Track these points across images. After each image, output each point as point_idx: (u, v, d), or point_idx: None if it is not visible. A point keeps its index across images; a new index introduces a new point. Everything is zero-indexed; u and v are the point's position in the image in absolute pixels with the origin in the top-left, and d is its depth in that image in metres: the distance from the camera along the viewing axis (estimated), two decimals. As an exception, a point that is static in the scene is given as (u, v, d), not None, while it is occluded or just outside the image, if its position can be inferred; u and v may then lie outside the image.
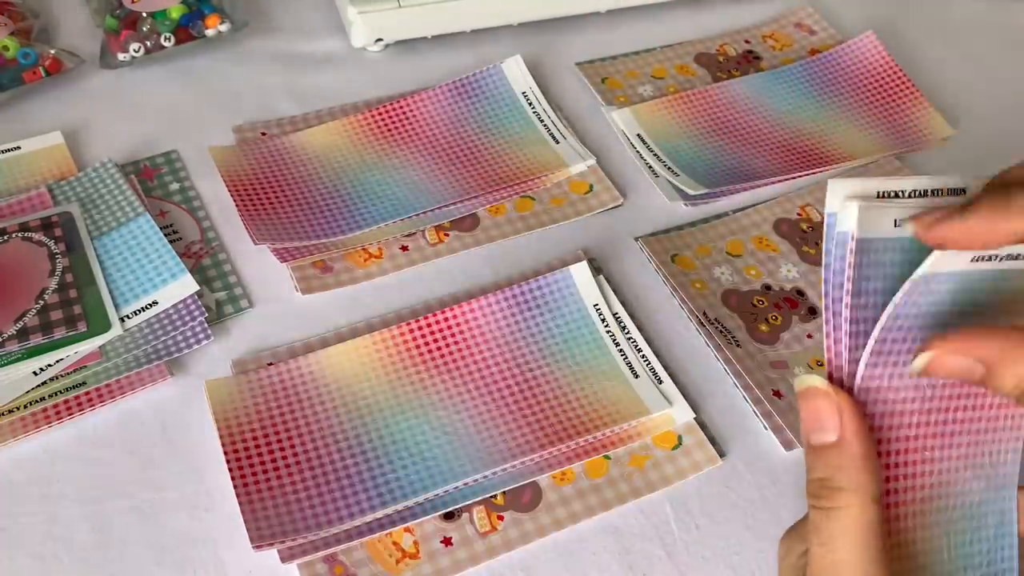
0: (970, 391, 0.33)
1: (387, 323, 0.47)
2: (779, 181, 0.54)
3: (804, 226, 0.53)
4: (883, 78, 0.61)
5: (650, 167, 0.55)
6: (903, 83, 0.60)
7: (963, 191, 0.31)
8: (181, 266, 0.46)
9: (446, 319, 0.46)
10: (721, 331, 0.47)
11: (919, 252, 0.31)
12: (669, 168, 0.54)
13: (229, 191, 0.51)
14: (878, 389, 0.31)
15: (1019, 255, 0.31)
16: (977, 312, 0.32)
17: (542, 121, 0.56)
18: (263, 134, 0.54)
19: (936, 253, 0.29)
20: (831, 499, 0.29)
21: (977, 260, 0.30)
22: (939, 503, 0.32)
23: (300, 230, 0.49)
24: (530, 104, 0.57)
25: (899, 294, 0.30)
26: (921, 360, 0.30)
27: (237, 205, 0.50)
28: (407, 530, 0.40)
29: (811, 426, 0.30)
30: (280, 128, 0.55)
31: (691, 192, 0.52)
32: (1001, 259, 0.31)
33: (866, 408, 0.31)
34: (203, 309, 0.45)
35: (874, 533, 0.29)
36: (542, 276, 0.48)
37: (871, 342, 0.31)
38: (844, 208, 0.30)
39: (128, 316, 0.45)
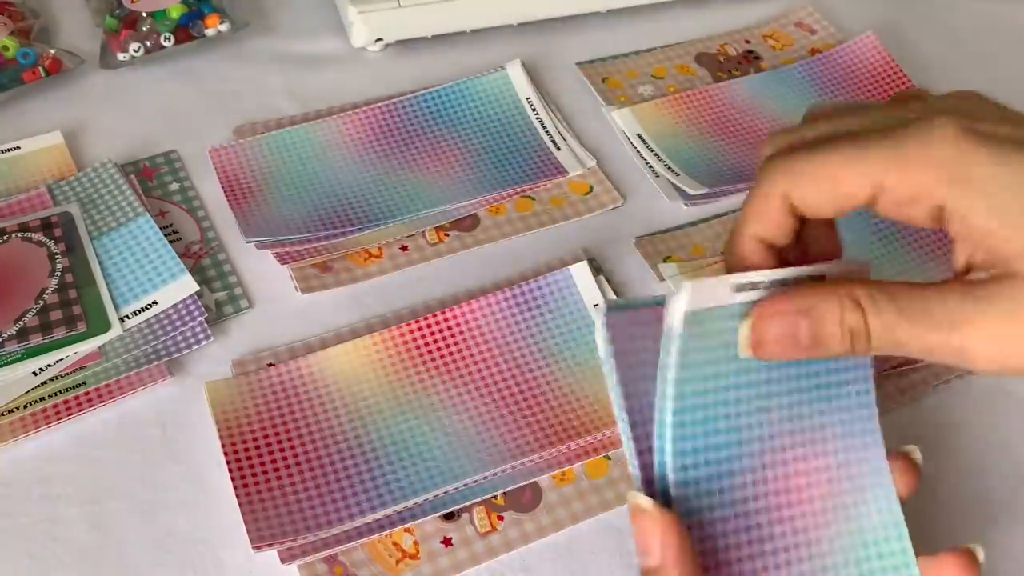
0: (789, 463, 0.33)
1: (387, 323, 0.47)
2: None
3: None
4: (884, 79, 0.61)
5: (650, 167, 0.55)
6: (903, 84, 0.60)
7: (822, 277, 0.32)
8: (181, 266, 0.46)
9: (446, 319, 0.46)
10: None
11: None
12: (669, 168, 0.54)
13: (224, 189, 0.51)
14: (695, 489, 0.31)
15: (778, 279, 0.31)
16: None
17: (544, 127, 0.56)
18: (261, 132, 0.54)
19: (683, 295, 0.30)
20: None
21: (741, 290, 0.30)
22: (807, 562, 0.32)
23: (296, 229, 0.49)
24: (533, 110, 0.56)
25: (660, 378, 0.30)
26: (743, 332, 0.30)
27: (230, 203, 0.50)
28: (407, 530, 0.40)
29: (639, 548, 0.30)
30: (279, 125, 0.55)
31: (691, 192, 0.52)
32: (764, 287, 0.31)
33: (688, 508, 0.31)
34: (203, 309, 0.45)
35: None
36: (542, 276, 0.48)
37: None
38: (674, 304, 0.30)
39: (128, 316, 0.45)
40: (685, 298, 0.29)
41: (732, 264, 0.33)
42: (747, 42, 0.63)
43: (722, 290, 0.30)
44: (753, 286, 0.30)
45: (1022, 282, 0.28)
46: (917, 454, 0.35)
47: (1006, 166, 0.28)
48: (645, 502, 0.30)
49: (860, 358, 0.33)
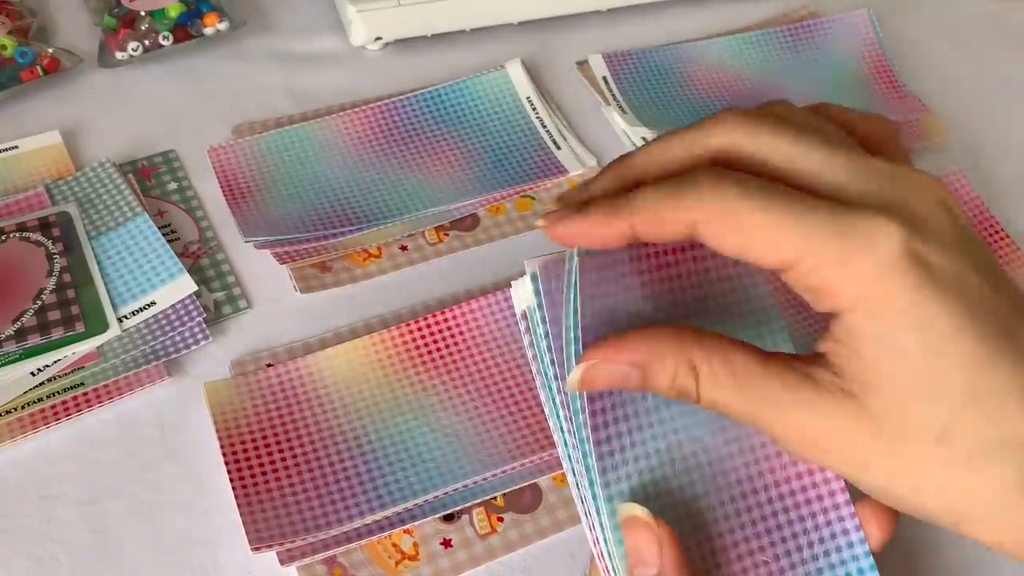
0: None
1: (386, 323, 0.47)
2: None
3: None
4: (867, 57, 0.61)
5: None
6: (883, 67, 0.61)
7: None
8: (180, 266, 0.46)
9: (446, 319, 0.46)
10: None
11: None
12: None
13: (222, 189, 0.51)
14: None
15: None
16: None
17: (544, 127, 0.56)
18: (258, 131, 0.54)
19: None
20: None
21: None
22: None
23: (295, 229, 0.49)
24: (534, 109, 0.56)
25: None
26: (574, 375, 0.29)
27: (229, 202, 0.50)
28: (407, 532, 0.40)
29: (634, 559, 0.30)
30: (278, 124, 0.55)
31: None
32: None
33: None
34: (201, 309, 0.45)
35: None
36: (542, 276, 0.48)
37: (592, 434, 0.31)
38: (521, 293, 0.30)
39: (126, 316, 0.45)
40: (530, 276, 0.30)
41: (586, 234, 0.29)
42: (747, 41, 0.63)
43: (559, 257, 0.30)
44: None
45: (854, 407, 0.27)
46: None
47: (922, 308, 0.26)
48: (642, 512, 0.30)
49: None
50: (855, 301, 0.26)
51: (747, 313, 0.33)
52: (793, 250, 0.26)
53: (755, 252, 0.27)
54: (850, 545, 0.32)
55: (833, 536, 0.33)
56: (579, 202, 0.29)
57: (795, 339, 0.35)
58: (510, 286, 0.46)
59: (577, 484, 0.31)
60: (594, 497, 0.30)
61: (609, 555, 0.31)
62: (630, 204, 0.28)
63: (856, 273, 0.26)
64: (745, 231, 0.27)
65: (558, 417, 0.31)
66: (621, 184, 0.30)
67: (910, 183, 0.28)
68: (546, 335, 0.30)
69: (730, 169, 0.28)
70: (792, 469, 0.33)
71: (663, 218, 0.28)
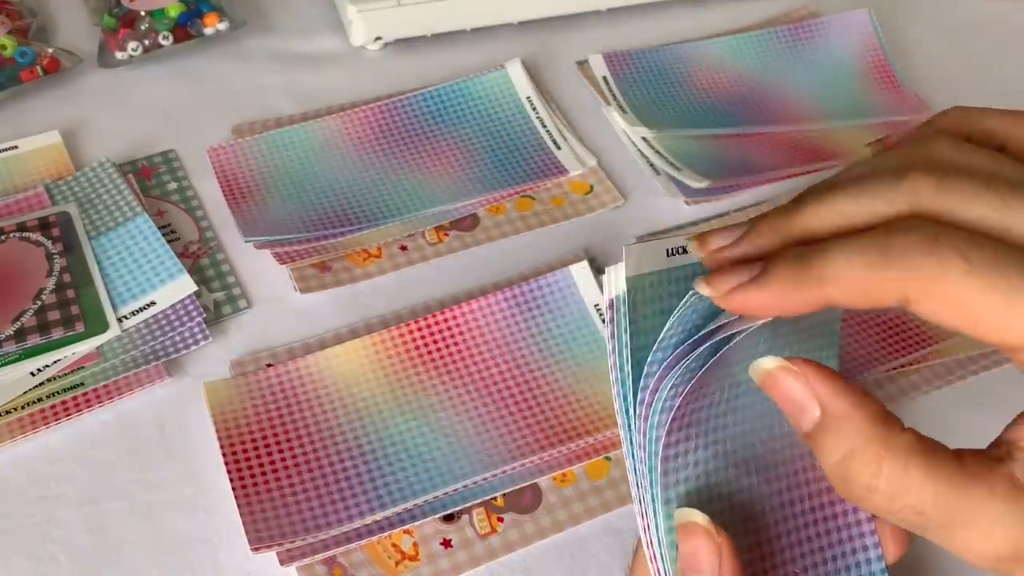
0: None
1: (386, 323, 0.47)
2: (783, 178, 0.54)
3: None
4: (866, 57, 0.61)
5: (651, 164, 0.54)
6: (883, 67, 0.61)
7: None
8: (179, 266, 0.46)
9: (445, 320, 0.46)
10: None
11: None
12: (671, 163, 0.54)
13: (222, 189, 0.51)
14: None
15: None
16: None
17: (544, 127, 0.56)
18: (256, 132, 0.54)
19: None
20: None
21: (674, 253, 0.29)
22: None
23: (295, 229, 0.49)
24: (534, 109, 0.56)
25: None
26: (766, 361, 0.27)
27: (229, 202, 0.50)
28: (407, 532, 0.40)
29: (689, 565, 0.29)
30: (278, 124, 0.55)
31: (693, 186, 0.52)
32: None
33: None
34: (201, 309, 0.45)
35: None
36: (542, 276, 0.48)
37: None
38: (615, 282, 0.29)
39: (126, 316, 0.45)
40: (625, 264, 0.28)
41: (763, 304, 0.27)
42: (747, 41, 0.63)
43: (657, 254, 0.29)
44: (685, 250, 0.29)
45: None
46: None
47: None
48: (701, 518, 0.29)
49: (829, 336, 0.33)
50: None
51: (809, 327, 0.33)
52: (1020, 335, 0.24)
53: (980, 330, 0.24)
54: (868, 561, 0.33)
55: (854, 551, 0.33)
56: (739, 259, 0.27)
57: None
58: (510, 286, 0.47)
59: (638, 483, 0.30)
60: (653, 499, 0.30)
61: (662, 557, 0.30)
62: (822, 271, 0.25)
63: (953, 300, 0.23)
64: (972, 312, 0.24)
65: (627, 414, 0.30)
66: (786, 241, 0.27)
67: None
68: (627, 328, 0.29)
69: (940, 224, 0.24)
70: (824, 483, 0.33)
71: (867, 289, 0.24)
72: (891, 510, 0.25)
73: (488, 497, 0.41)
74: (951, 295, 0.23)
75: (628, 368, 0.30)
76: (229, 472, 0.40)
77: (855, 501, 0.26)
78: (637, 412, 0.30)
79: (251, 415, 0.42)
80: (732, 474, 0.32)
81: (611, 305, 0.29)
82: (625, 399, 0.30)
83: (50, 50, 0.55)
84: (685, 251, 0.29)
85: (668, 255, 0.29)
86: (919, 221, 0.24)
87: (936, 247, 0.24)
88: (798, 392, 0.27)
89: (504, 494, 0.41)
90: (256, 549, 0.38)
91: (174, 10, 0.57)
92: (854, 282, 0.24)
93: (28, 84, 0.54)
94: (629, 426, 0.30)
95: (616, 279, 0.29)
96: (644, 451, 0.30)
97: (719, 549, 0.28)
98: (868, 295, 0.24)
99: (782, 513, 0.32)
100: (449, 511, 0.40)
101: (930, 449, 0.25)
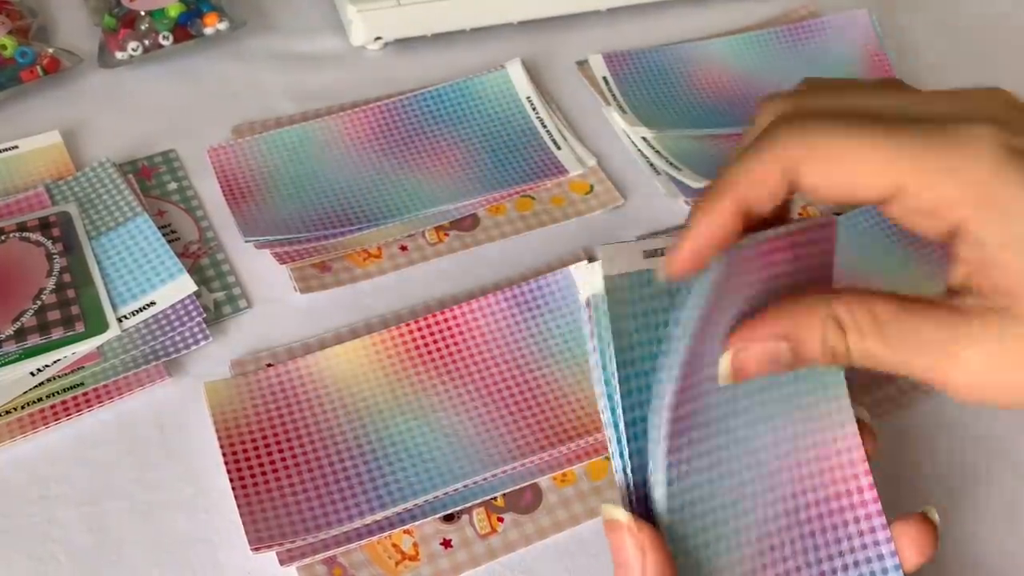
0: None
1: (386, 323, 0.47)
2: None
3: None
4: (865, 58, 0.61)
5: (651, 164, 0.55)
6: (883, 66, 0.61)
7: None
8: (179, 266, 0.46)
9: (445, 320, 0.46)
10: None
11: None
12: (671, 163, 0.54)
13: (222, 189, 0.51)
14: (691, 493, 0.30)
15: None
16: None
17: (544, 127, 0.56)
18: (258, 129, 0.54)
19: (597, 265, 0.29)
20: None
21: (649, 256, 0.29)
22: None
23: (295, 229, 0.49)
24: (534, 109, 0.56)
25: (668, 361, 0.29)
26: (723, 366, 0.29)
27: (229, 202, 0.50)
28: (407, 532, 0.40)
29: (616, 560, 0.29)
30: (278, 124, 0.55)
31: (693, 186, 0.52)
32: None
33: (679, 519, 0.30)
34: (201, 309, 0.45)
35: None
36: (542, 276, 0.48)
37: (662, 428, 0.30)
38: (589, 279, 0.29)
39: (126, 316, 0.45)
40: (602, 264, 0.29)
41: (702, 234, 0.28)
42: (747, 41, 0.63)
43: (634, 255, 0.29)
44: (663, 252, 0.29)
45: (1014, 320, 0.26)
46: (934, 514, 0.33)
47: None
48: (623, 515, 0.29)
49: None
50: (975, 208, 0.26)
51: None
52: (899, 174, 0.26)
53: (861, 186, 0.26)
54: (884, 571, 0.32)
55: (868, 560, 0.33)
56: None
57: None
58: (510, 286, 0.47)
59: (628, 484, 0.30)
60: (648, 496, 0.30)
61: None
62: (723, 182, 0.28)
63: (969, 180, 0.26)
64: (847, 163, 0.26)
65: (613, 412, 0.30)
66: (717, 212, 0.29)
67: (977, 96, 0.28)
68: (607, 327, 0.29)
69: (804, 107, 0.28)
70: (832, 488, 0.33)
71: (761, 172, 0.27)
72: (866, 362, 0.28)
73: (488, 497, 0.41)
74: (828, 152, 0.26)
75: (612, 368, 0.30)
76: (229, 472, 0.40)
77: (848, 365, 0.28)
78: (619, 406, 0.30)
79: (251, 415, 0.42)
80: (736, 481, 0.31)
81: (587, 304, 0.29)
82: (610, 397, 0.30)
83: (50, 50, 0.55)
84: (663, 253, 0.29)
85: (645, 256, 0.29)
86: (782, 116, 0.28)
87: (806, 120, 0.27)
88: (629, 552, 0.29)
89: (504, 494, 0.41)
90: (256, 549, 0.38)
91: (174, 10, 0.57)
92: (747, 174, 0.27)
93: (28, 84, 0.54)
94: (615, 424, 0.30)
95: (592, 278, 0.29)
96: (630, 444, 0.30)
97: (642, 545, 0.29)
98: (762, 182, 0.27)
99: (787, 520, 0.32)
100: (449, 511, 0.40)
101: (877, 305, 0.28)
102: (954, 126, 0.26)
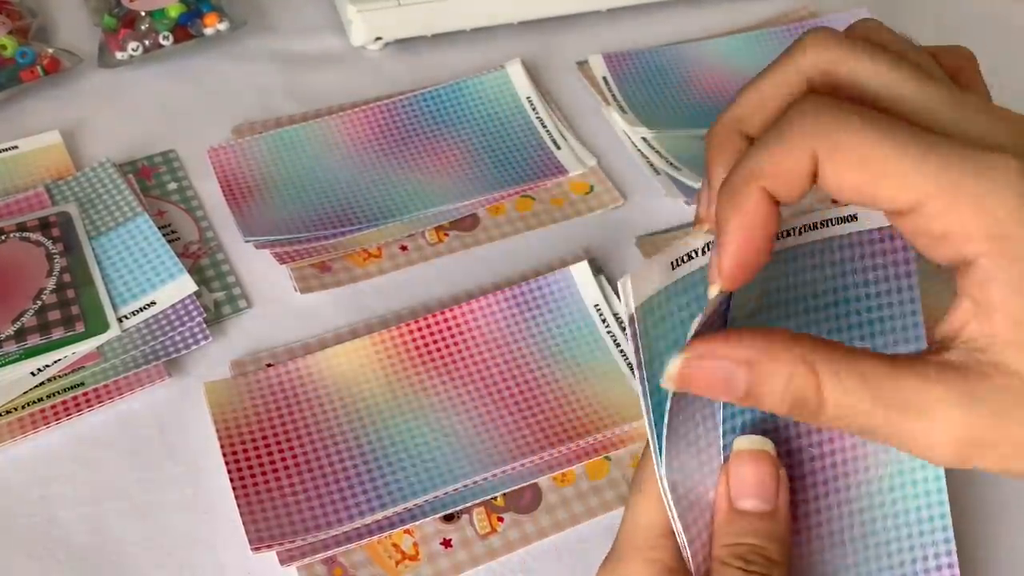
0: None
1: (386, 323, 0.47)
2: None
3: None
4: None
5: (651, 164, 0.55)
6: None
7: None
8: (179, 266, 0.46)
9: (445, 320, 0.46)
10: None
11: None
12: (671, 163, 0.54)
13: (222, 189, 0.51)
14: None
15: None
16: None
17: (544, 127, 0.56)
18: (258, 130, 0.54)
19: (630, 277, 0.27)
20: (767, 569, 0.28)
21: (679, 264, 0.28)
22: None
23: (295, 229, 0.49)
24: (533, 109, 0.56)
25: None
26: (670, 368, 0.26)
27: (229, 202, 0.50)
28: (407, 532, 0.40)
29: (749, 491, 0.28)
30: (278, 124, 0.55)
31: (693, 186, 0.52)
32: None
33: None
34: (201, 309, 0.45)
35: None
36: (542, 276, 0.48)
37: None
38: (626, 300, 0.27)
39: (126, 316, 0.45)
40: (629, 294, 0.27)
41: (739, 242, 0.26)
42: (747, 41, 0.63)
43: (661, 270, 0.28)
44: (690, 256, 0.28)
45: (1004, 379, 0.24)
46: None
47: None
48: (771, 447, 0.28)
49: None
50: (989, 242, 0.24)
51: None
52: (921, 192, 0.24)
53: (880, 196, 0.25)
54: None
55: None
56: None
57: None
58: (510, 286, 0.47)
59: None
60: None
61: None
62: (745, 170, 0.26)
63: (990, 213, 0.24)
64: (870, 165, 0.24)
65: (655, 423, 0.29)
66: (735, 148, 0.28)
67: (1017, 122, 0.26)
68: (644, 336, 0.28)
69: (829, 95, 0.26)
70: (866, 501, 0.33)
71: (782, 163, 0.25)
72: (840, 418, 0.26)
73: (488, 497, 0.41)
74: (852, 149, 0.24)
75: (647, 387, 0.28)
76: (229, 472, 0.40)
77: (812, 421, 0.26)
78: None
79: (251, 415, 0.42)
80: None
81: (631, 320, 0.28)
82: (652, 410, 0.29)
83: (50, 50, 0.55)
84: (690, 257, 0.28)
85: (673, 267, 0.28)
86: (810, 95, 0.26)
87: (833, 107, 0.25)
88: (770, 482, 0.28)
89: (504, 494, 0.41)
90: (256, 549, 0.38)
91: (174, 10, 0.57)
92: (770, 164, 0.25)
93: (28, 84, 0.54)
94: (659, 434, 0.29)
95: (626, 295, 0.27)
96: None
97: (782, 478, 0.29)
98: (787, 171, 0.25)
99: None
100: (449, 511, 0.40)
101: (860, 358, 0.25)
102: (986, 154, 0.24)
